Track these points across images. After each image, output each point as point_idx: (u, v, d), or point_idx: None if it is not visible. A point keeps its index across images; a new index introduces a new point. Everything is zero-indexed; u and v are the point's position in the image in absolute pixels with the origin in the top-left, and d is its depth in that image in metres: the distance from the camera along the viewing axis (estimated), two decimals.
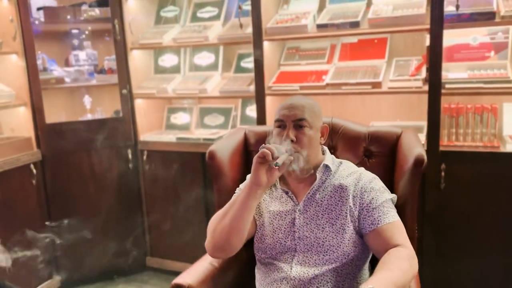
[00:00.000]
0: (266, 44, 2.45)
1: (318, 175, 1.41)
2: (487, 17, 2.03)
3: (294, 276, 1.35)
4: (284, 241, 1.40)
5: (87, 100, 3.00)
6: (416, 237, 1.53)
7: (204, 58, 2.92)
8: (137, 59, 2.89)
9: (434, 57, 2.05)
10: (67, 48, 3.09)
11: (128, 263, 2.91)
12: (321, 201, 1.39)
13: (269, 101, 2.48)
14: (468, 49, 2.25)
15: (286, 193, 1.44)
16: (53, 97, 2.94)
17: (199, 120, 2.95)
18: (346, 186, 1.38)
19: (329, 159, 1.45)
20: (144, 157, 2.82)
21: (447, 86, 2.12)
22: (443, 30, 2.03)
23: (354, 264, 1.36)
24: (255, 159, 1.28)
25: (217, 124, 2.88)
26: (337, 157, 1.56)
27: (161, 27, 2.91)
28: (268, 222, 1.43)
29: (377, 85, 2.27)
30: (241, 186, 1.50)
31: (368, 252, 1.40)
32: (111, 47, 2.83)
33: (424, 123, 2.18)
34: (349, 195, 1.36)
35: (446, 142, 2.20)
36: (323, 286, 1.33)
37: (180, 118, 3.01)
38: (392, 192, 1.43)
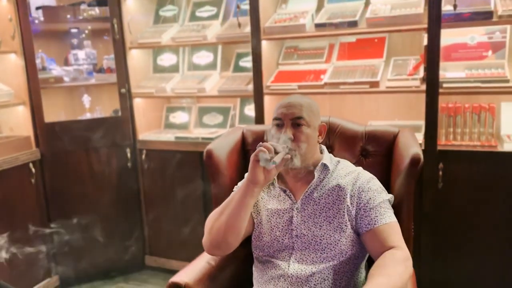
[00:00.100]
0: (264, 43, 2.46)
1: (316, 173, 1.41)
2: (484, 17, 2.04)
3: (291, 274, 1.35)
4: (282, 239, 1.40)
5: (86, 99, 3.00)
6: (412, 237, 1.54)
7: (203, 57, 2.93)
8: (136, 58, 2.90)
9: (432, 57, 2.06)
10: (66, 47, 3.09)
11: (127, 261, 2.91)
12: (318, 199, 1.39)
13: (267, 100, 2.48)
14: (466, 48, 2.26)
15: (284, 191, 1.44)
16: (52, 96, 2.95)
17: (198, 119, 2.95)
18: (343, 185, 1.38)
19: (327, 158, 1.46)
20: (143, 156, 2.83)
21: (444, 85, 2.12)
22: (441, 29, 2.03)
23: (351, 262, 1.37)
24: (252, 157, 1.29)
25: (216, 123, 2.89)
26: (334, 156, 1.56)
27: (159, 27, 2.92)
28: (266, 220, 1.44)
29: (375, 84, 2.27)
30: (239, 184, 1.50)
31: (366, 251, 1.41)
32: (110, 46, 2.83)
33: (422, 123, 2.18)
34: (346, 194, 1.37)
35: (444, 142, 2.20)
36: (320, 283, 1.33)
37: (178, 117, 3.01)
38: (388, 191, 1.43)
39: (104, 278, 2.89)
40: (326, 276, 1.34)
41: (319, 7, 2.54)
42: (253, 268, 1.51)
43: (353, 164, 1.52)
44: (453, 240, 2.18)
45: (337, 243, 1.35)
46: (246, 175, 1.36)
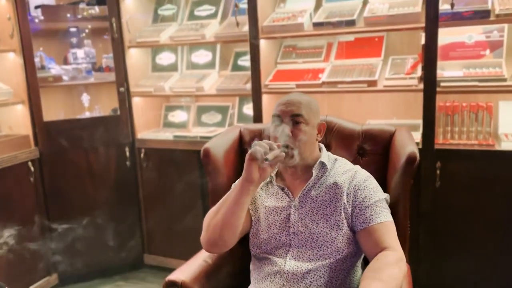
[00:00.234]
0: (262, 42, 2.46)
1: (314, 171, 1.42)
2: (482, 16, 2.04)
3: (287, 270, 1.36)
4: (279, 236, 1.41)
5: (85, 98, 3.01)
6: (408, 235, 1.54)
7: (201, 56, 2.93)
8: (134, 57, 2.90)
9: (429, 56, 2.06)
10: (66, 46, 3.09)
11: (126, 260, 2.92)
12: (316, 197, 1.40)
13: (265, 99, 2.49)
14: (464, 47, 2.26)
15: (282, 189, 1.45)
16: (51, 95, 2.95)
17: (196, 118, 2.95)
18: (341, 183, 1.39)
19: (325, 156, 1.46)
20: (142, 155, 2.83)
21: (442, 84, 2.12)
22: (438, 28, 2.03)
23: (347, 260, 1.37)
24: (247, 156, 1.30)
25: (214, 122, 2.89)
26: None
27: (158, 26, 2.92)
28: (263, 218, 1.45)
29: (372, 83, 2.28)
30: (237, 182, 1.50)
31: (361, 250, 1.41)
32: (109, 45, 2.83)
33: (420, 121, 2.19)
34: (343, 192, 1.37)
35: (442, 141, 2.20)
36: (316, 281, 1.34)
37: (177, 116, 3.02)
38: (384, 190, 1.44)
39: (103, 276, 2.90)
40: (322, 274, 1.35)
41: (317, 6, 2.54)
42: (251, 265, 1.52)
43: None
44: (450, 239, 2.18)
45: (334, 241, 1.35)
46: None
